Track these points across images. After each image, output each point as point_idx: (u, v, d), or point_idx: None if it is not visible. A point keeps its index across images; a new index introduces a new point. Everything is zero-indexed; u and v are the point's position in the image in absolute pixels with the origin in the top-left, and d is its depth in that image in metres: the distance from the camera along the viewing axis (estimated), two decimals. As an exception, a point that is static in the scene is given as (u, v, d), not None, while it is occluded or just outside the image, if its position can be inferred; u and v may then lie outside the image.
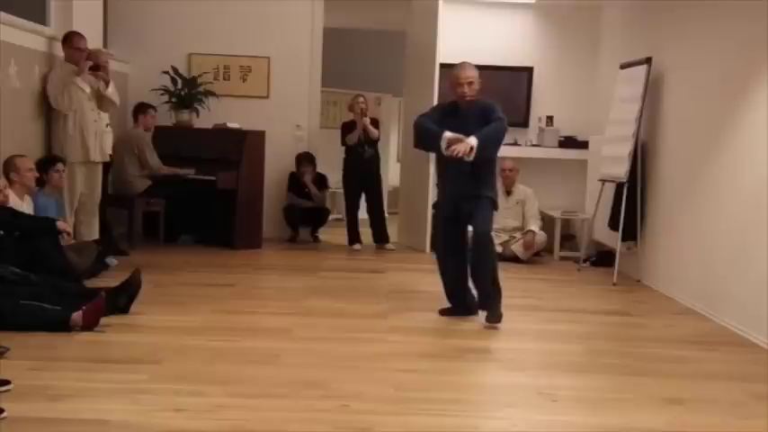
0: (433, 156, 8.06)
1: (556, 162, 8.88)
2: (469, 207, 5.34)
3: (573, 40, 9.05)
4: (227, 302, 5.66)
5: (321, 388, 3.88)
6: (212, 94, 8.30)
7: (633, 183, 7.04)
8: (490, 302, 5.29)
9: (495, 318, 5.24)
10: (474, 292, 5.53)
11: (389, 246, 8.52)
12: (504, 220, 7.98)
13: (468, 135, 5.13)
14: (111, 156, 7.11)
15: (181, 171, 7.75)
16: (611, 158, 7.32)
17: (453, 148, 5.06)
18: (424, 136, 5.38)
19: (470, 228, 5.38)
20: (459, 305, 5.57)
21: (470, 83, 5.30)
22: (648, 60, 6.97)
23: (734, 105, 5.73)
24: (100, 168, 6.73)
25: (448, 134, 5.15)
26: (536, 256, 8.18)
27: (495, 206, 5.47)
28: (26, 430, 3.24)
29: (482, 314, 5.36)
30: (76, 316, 4.60)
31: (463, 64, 5.41)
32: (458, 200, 5.38)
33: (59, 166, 6.13)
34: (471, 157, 5.07)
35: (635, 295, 6.70)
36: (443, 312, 5.57)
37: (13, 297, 4.61)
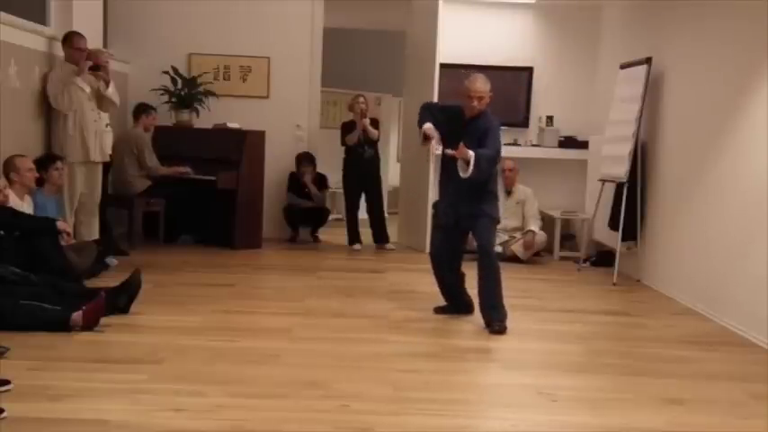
0: (434, 155, 8.11)
1: (556, 162, 8.88)
2: (469, 223, 5.33)
3: (573, 40, 9.05)
4: (227, 302, 5.65)
5: (321, 388, 3.88)
6: (212, 94, 8.30)
7: (633, 183, 7.04)
8: (492, 318, 5.22)
9: (495, 332, 5.15)
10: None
11: (389, 246, 8.52)
12: (504, 221, 7.90)
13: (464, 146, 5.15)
14: (111, 156, 7.11)
15: (179, 169, 7.75)
16: (611, 158, 7.32)
17: (451, 151, 5.06)
18: (418, 122, 5.41)
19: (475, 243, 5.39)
20: (454, 303, 5.58)
21: (480, 98, 5.23)
22: (648, 60, 6.97)
23: (734, 105, 5.73)
24: (100, 168, 6.72)
25: (426, 126, 5.23)
26: (536, 256, 8.18)
27: (497, 222, 5.45)
28: (26, 430, 3.24)
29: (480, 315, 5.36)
30: (76, 316, 4.60)
31: (476, 77, 5.32)
32: (458, 215, 5.33)
33: (59, 164, 6.13)
34: (467, 175, 5.04)
35: (635, 295, 6.70)
36: (438, 310, 5.58)
37: (13, 297, 4.61)
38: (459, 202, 5.27)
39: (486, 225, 5.31)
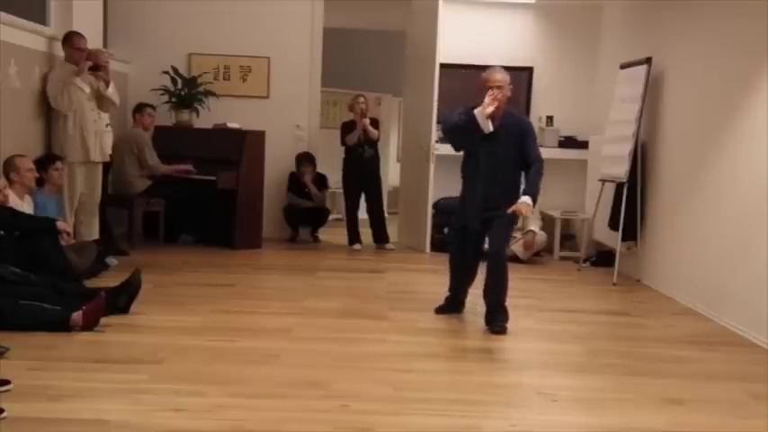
0: (432, 156, 8.11)
1: (556, 162, 8.84)
2: (489, 224, 5.26)
3: (573, 40, 9.05)
4: (227, 302, 5.66)
5: (321, 388, 3.88)
6: (212, 94, 8.30)
7: (633, 183, 7.04)
8: (494, 319, 5.21)
9: (495, 332, 5.15)
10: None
11: (389, 246, 8.52)
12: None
13: (497, 149, 5.16)
14: (110, 156, 7.11)
15: (181, 167, 7.75)
16: (611, 158, 7.33)
17: (517, 210, 5.08)
18: (462, 129, 5.21)
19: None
20: (456, 300, 5.56)
21: (500, 87, 5.16)
22: (648, 60, 6.97)
23: (734, 105, 5.73)
24: (100, 168, 6.73)
25: (477, 110, 5.11)
26: (536, 256, 8.18)
27: (515, 223, 5.47)
28: (26, 430, 3.24)
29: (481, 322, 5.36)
30: (76, 316, 4.60)
31: (494, 68, 5.28)
32: (481, 218, 5.28)
33: (58, 164, 6.13)
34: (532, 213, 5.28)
35: (635, 295, 6.70)
36: (438, 311, 5.58)
37: (13, 297, 4.61)
38: (487, 206, 5.21)
39: (504, 225, 5.27)
